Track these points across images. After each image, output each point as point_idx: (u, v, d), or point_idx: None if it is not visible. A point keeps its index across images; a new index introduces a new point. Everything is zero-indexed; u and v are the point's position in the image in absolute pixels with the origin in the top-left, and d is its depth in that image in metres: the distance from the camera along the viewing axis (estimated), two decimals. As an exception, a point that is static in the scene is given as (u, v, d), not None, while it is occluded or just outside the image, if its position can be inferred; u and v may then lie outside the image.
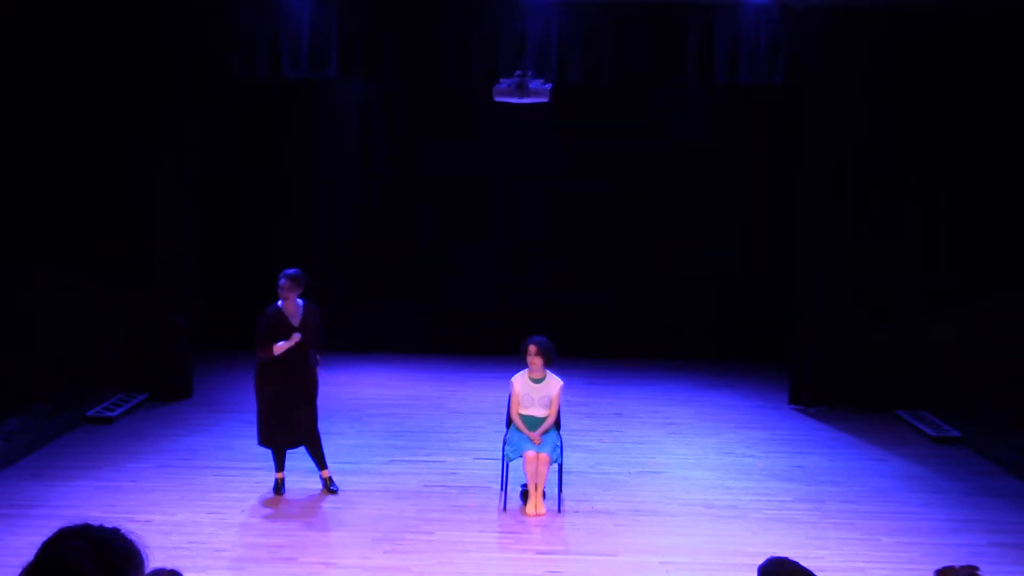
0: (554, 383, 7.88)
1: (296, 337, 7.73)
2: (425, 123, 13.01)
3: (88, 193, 10.56)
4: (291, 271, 7.97)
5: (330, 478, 8.18)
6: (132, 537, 2.35)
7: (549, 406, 7.88)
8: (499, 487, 8.02)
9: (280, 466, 8.10)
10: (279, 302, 7.91)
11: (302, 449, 8.14)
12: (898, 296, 10.80)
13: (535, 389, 7.86)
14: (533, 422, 7.87)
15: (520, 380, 7.91)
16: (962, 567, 3.21)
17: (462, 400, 11.15)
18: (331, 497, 8.04)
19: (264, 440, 8.05)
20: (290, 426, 7.98)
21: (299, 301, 7.95)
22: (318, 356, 8.16)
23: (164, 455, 9.00)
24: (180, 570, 2.68)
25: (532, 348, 7.81)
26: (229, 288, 12.89)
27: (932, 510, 8.09)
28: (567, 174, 13.15)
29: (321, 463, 8.15)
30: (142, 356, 10.78)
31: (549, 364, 7.85)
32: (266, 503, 7.88)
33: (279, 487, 8.07)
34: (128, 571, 2.30)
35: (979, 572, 3.18)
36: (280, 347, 7.72)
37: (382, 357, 12.48)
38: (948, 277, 10.71)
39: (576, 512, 7.86)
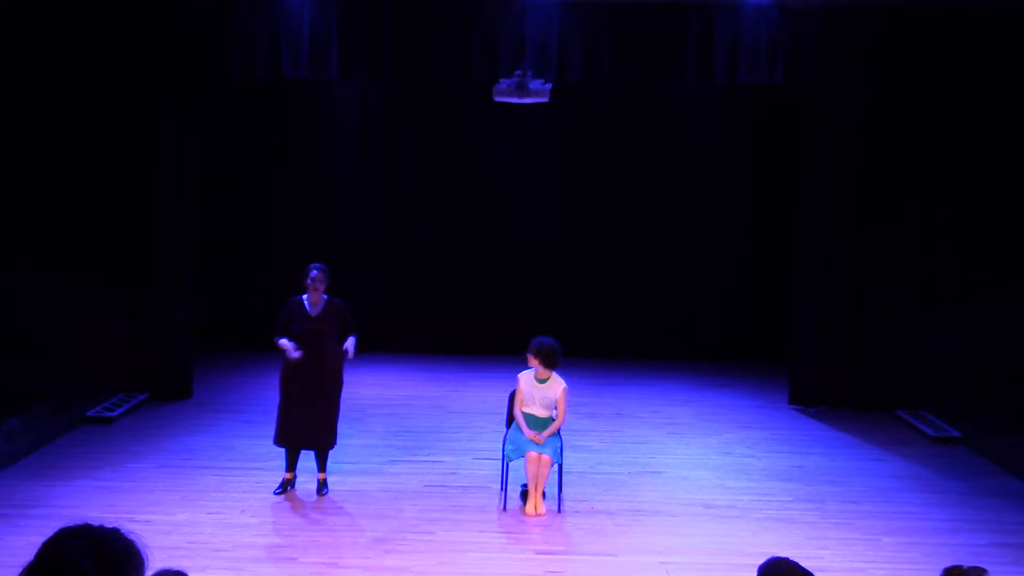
0: (557, 386, 7.86)
1: (294, 354, 7.74)
2: (425, 123, 13.01)
3: (88, 193, 10.56)
4: (321, 264, 7.99)
5: (324, 481, 8.15)
6: (132, 537, 2.36)
7: (549, 407, 7.88)
8: (499, 487, 8.01)
9: (290, 466, 8.09)
10: (304, 295, 7.95)
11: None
12: (898, 296, 10.80)
13: (538, 389, 7.86)
14: (531, 421, 7.86)
15: (526, 378, 7.90)
16: (971, 568, 3.20)
17: (462, 400, 11.15)
18: (331, 497, 8.04)
19: (277, 439, 8.04)
20: (304, 426, 7.97)
21: (323, 296, 7.98)
22: (348, 354, 8.04)
23: (164, 455, 9.00)
24: (184, 570, 2.68)
25: (530, 351, 7.81)
26: (229, 288, 12.93)
27: (932, 510, 8.09)
28: (567, 174, 13.16)
29: (321, 465, 8.15)
30: (142, 356, 10.78)
31: (550, 367, 7.83)
32: (266, 503, 7.87)
33: (285, 486, 8.06)
34: (128, 571, 2.30)
35: (988, 574, 3.17)
36: (282, 345, 7.79)
37: (382, 357, 12.47)
38: (948, 277, 10.71)
39: (576, 512, 7.86)
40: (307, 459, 8.20)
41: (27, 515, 7.43)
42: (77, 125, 10.45)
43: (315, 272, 7.92)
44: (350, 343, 8.00)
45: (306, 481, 8.25)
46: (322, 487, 8.10)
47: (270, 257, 13.18)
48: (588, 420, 10.29)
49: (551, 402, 7.86)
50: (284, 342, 7.83)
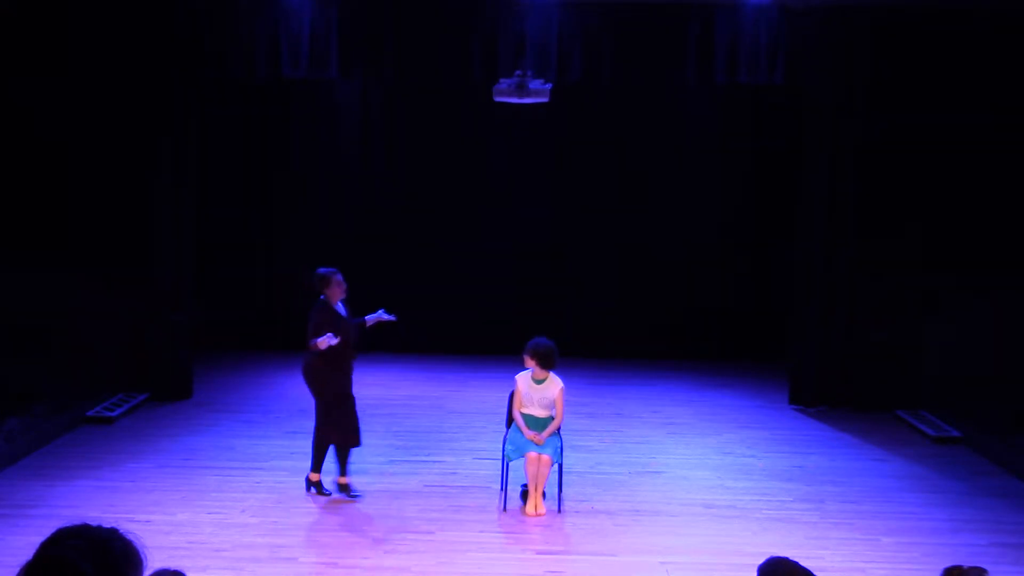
0: (554, 385, 7.86)
1: (333, 340, 7.60)
2: (425, 123, 13.02)
3: (88, 193, 10.56)
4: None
5: (347, 484, 8.12)
6: (130, 537, 2.36)
7: (548, 407, 7.87)
8: (499, 487, 8.01)
9: (319, 467, 8.05)
10: (322, 296, 7.88)
11: (304, 449, 8.10)
12: (897, 296, 10.80)
13: (536, 390, 7.86)
14: (530, 421, 7.86)
15: (523, 379, 7.90)
16: (970, 568, 3.20)
17: (462, 400, 11.15)
18: (331, 497, 8.03)
19: (354, 439, 7.98)
20: (348, 425, 8.00)
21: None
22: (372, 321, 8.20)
23: (164, 455, 9.00)
24: (183, 570, 2.68)
25: (526, 352, 7.81)
26: (229, 288, 12.93)
27: (932, 510, 8.09)
28: (567, 174, 13.17)
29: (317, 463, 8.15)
30: (142, 356, 10.78)
31: (547, 367, 7.82)
32: (266, 503, 7.87)
33: (321, 488, 8.05)
34: (127, 570, 2.30)
35: (988, 574, 3.17)
36: (322, 342, 7.57)
37: (382, 357, 12.48)
38: (948, 277, 10.71)
39: (576, 512, 7.86)
40: (305, 459, 8.18)
41: (27, 515, 7.43)
42: (77, 125, 10.45)
43: (340, 276, 7.90)
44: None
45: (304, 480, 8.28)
46: (346, 490, 8.11)
47: (270, 257, 13.19)
48: (588, 420, 10.29)
49: (549, 402, 7.86)
50: (321, 339, 7.59)
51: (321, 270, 7.95)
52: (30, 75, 10.29)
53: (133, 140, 10.48)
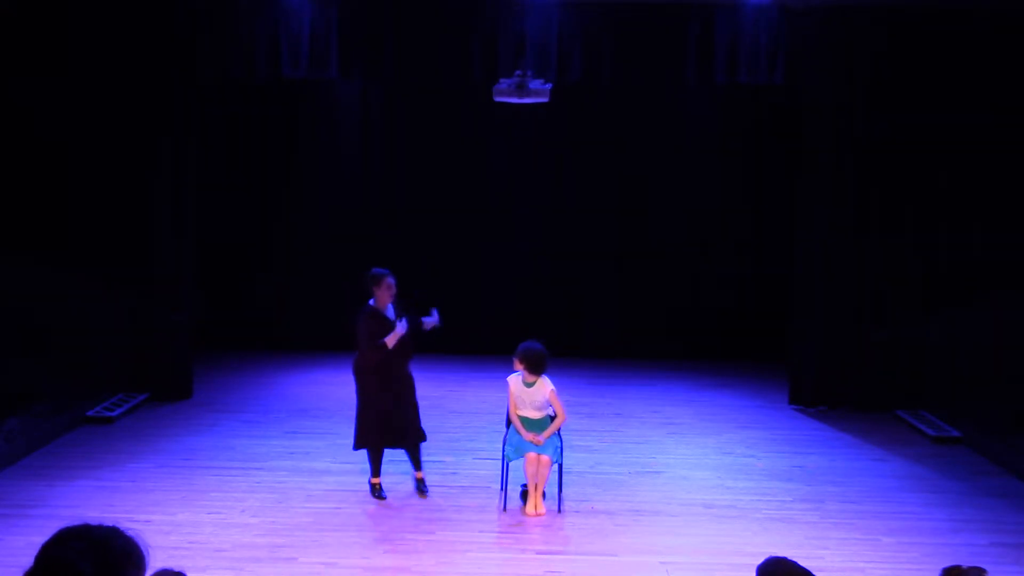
0: (545, 387, 7.81)
1: (401, 327, 7.75)
2: (425, 123, 13.02)
3: (88, 193, 10.56)
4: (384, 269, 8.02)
5: (423, 480, 8.16)
6: (131, 535, 2.36)
7: (541, 408, 7.86)
8: (499, 487, 8.01)
9: (378, 470, 8.07)
10: (371, 300, 7.91)
11: (304, 449, 8.11)
12: (898, 296, 10.80)
13: (527, 393, 7.83)
14: (525, 423, 7.84)
15: (515, 381, 7.88)
16: (970, 568, 3.21)
17: (462, 400, 11.15)
18: (331, 497, 8.03)
19: (363, 443, 8.01)
20: (392, 426, 8.00)
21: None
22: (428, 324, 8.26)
23: (164, 455, 9.00)
24: (183, 570, 2.68)
25: (516, 356, 7.80)
26: (229, 288, 12.94)
27: (932, 510, 8.08)
28: (567, 174, 13.17)
29: (417, 463, 8.16)
30: (142, 356, 10.78)
31: (536, 372, 7.80)
32: (266, 503, 7.87)
33: (377, 491, 8.05)
34: (128, 569, 2.30)
35: (987, 574, 3.18)
36: (391, 339, 7.73)
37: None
38: (948, 277, 10.71)
39: (576, 512, 7.86)
40: (303, 459, 8.18)
41: (27, 515, 7.44)
42: (77, 125, 10.44)
43: (392, 279, 7.94)
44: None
45: (304, 481, 8.28)
46: (421, 486, 8.12)
47: (270, 257, 13.20)
48: (588, 420, 10.29)
49: (541, 404, 7.84)
50: (390, 336, 7.75)
51: (375, 270, 8.00)
52: (30, 75, 10.28)
53: (133, 140, 10.48)
